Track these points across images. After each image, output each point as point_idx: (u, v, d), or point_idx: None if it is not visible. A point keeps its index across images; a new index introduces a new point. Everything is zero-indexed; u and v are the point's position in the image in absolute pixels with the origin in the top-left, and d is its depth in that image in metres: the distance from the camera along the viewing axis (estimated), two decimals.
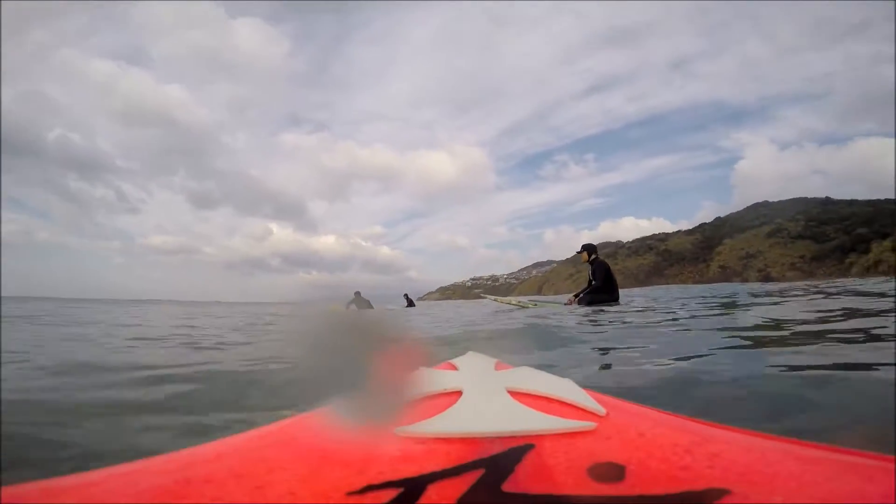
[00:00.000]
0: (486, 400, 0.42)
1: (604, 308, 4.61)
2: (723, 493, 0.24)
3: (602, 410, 0.39)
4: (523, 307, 5.80)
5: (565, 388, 0.44)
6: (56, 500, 0.27)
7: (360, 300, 9.98)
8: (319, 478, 0.28)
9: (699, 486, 0.25)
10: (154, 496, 0.27)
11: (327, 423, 0.33)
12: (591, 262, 5.88)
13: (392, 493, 0.25)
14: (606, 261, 6.05)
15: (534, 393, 0.43)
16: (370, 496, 0.25)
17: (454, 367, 0.59)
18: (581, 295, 5.76)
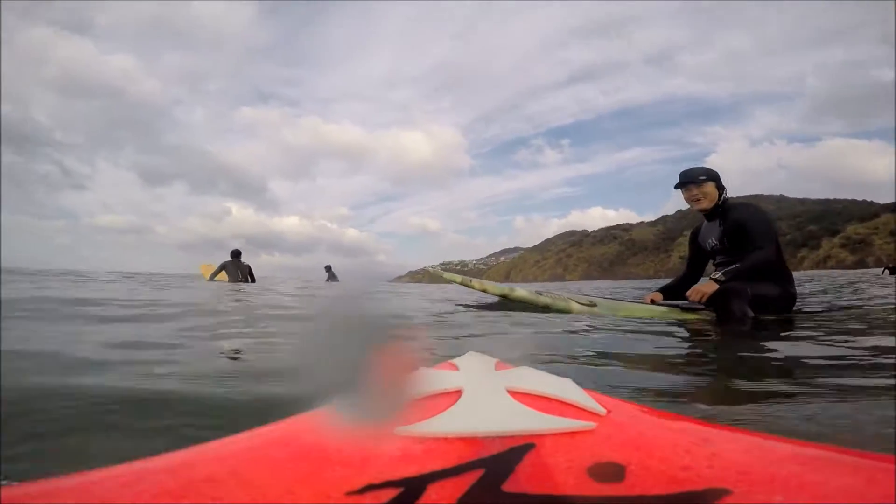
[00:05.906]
0: (487, 400, 0.42)
1: (791, 330, 2.03)
2: (723, 493, 0.24)
3: (602, 410, 0.39)
4: (593, 311, 2.80)
5: (565, 388, 0.44)
6: (56, 500, 0.27)
7: (236, 263, 8.26)
8: (319, 478, 0.28)
9: (699, 486, 0.25)
10: (154, 496, 0.27)
11: (327, 423, 0.33)
12: (720, 209, 2.63)
13: (392, 493, 0.25)
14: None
15: (534, 393, 0.43)
16: (370, 496, 0.25)
17: (454, 367, 0.59)
18: (719, 275, 2.40)
